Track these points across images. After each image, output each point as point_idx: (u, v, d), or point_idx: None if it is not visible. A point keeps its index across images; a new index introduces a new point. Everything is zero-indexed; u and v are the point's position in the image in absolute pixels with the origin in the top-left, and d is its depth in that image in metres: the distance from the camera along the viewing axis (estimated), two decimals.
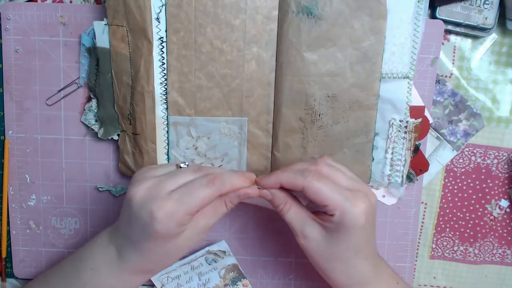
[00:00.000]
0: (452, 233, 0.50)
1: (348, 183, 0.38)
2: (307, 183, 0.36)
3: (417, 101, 0.46)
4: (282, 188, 0.38)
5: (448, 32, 0.47)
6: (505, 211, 0.50)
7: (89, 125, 0.47)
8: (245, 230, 0.50)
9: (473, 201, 0.50)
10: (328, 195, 0.36)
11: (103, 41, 0.44)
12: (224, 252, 0.49)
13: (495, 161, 0.49)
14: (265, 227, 0.50)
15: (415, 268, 0.51)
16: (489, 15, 0.45)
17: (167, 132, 0.46)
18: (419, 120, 0.45)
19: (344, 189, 0.37)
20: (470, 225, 0.50)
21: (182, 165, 0.40)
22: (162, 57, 0.44)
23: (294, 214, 0.39)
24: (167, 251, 0.37)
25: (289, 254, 0.50)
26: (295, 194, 0.40)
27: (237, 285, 0.49)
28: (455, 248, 0.51)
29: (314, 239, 0.38)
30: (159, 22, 0.43)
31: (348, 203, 0.36)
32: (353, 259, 0.38)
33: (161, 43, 0.44)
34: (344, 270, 0.38)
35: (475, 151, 0.49)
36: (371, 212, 0.37)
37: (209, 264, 0.48)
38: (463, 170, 0.49)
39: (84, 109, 0.47)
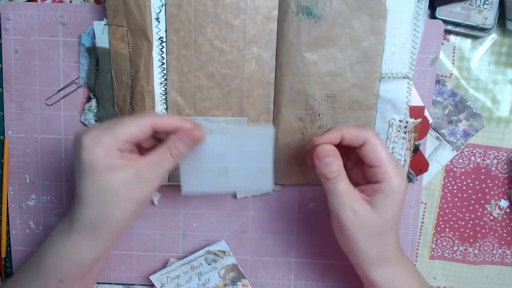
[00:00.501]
0: (452, 233, 0.50)
1: (390, 153, 0.38)
2: (371, 137, 0.36)
3: (417, 101, 0.46)
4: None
5: (448, 32, 0.47)
6: (505, 211, 0.50)
7: (88, 125, 0.47)
8: (245, 230, 0.50)
9: (472, 201, 0.50)
10: (385, 156, 0.36)
11: (103, 41, 0.44)
12: (224, 252, 0.49)
13: (495, 161, 0.49)
14: (265, 227, 0.50)
15: None
16: (489, 15, 0.45)
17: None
18: (419, 120, 0.45)
19: (392, 157, 0.37)
20: (470, 225, 0.50)
21: None
22: (162, 57, 0.44)
23: (347, 186, 0.37)
24: (104, 192, 0.34)
25: (289, 254, 0.50)
26: None
27: (236, 285, 0.49)
28: (455, 248, 0.51)
29: (363, 214, 0.36)
30: (159, 22, 0.43)
31: (396, 170, 0.36)
32: (390, 234, 0.38)
33: (161, 43, 0.44)
34: (381, 246, 0.38)
35: (474, 151, 0.49)
36: (407, 185, 0.38)
37: (209, 264, 0.48)
38: (462, 170, 0.49)
39: (84, 109, 0.47)
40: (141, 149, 0.39)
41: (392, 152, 0.46)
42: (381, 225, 0.37)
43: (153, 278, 0.48)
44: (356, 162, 0.40)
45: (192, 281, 0.48)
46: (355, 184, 0.38)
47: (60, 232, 0.37)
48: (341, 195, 0.36)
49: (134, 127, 0.35)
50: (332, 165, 0.36)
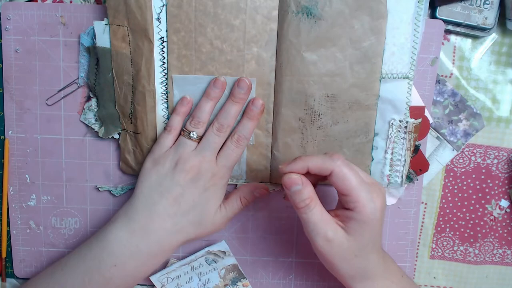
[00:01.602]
0: (452, 233, 0.50)
1: (364, 176, 0.37)
2: (337, 167, 0.35)
3: (417, 101, 0.46)
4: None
5: (448, 32, 0.47)
6: (505, 211, 0.50)
7: (88, 124, 0.47)
8: (245, 230, 0.50)
9: (473, 201, 0.50)
10: (354, 184, 0.35)
11: (103, 40, 0.44)
12: (224, 252, 0.49)
13: (495, 161, 0.49)
14: (265, 227, 0.50)
15: (415, 268, 0.51)
16: (489, 15, 0.45)
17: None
18: (419, 120, 0.45)
19: (365, 182, 0.36)
20: (470, 225, 0.50)
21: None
22: (163, 56, 0.44)
23: (319, 214, 0.36)
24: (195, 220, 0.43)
25: (289, 254, 0.50)
26: None
27: (237, 285, 0.49)
28: (455, 248, 0.51)
29: (337, 241, 0.36)
30: (160, 22, 0.43)
31: (370, 196, 0.35)
32: (369, 253, 0.38)
33: (162, 43, 0.44)
34: (361, 265, 0.38)
35: (475, 151, 0.49)
36: (385, 206, 0.37)
37: (209, 265, 0.48)
38: (463, 170, 0.49)
39: (84, 109, 0.47)
40: None
41: (392, 152, 0.46)
42: (357, 249, 0.37)
43: (153, 278, 0.48)
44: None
45: (193, 282, 0.48)
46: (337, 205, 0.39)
47: (122, 220, 0.42)
48: (314, 224, 0.36)
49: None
50: (301, 193, 0.36)
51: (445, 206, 0.50)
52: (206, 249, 0.49)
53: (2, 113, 0.48)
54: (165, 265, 0.49)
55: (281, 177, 0.47)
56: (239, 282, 0.49)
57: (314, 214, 0.36)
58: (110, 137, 0.46)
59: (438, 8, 0.45)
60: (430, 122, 0.47)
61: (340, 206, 0.38)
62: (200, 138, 0.43)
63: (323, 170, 0.35)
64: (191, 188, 0.42)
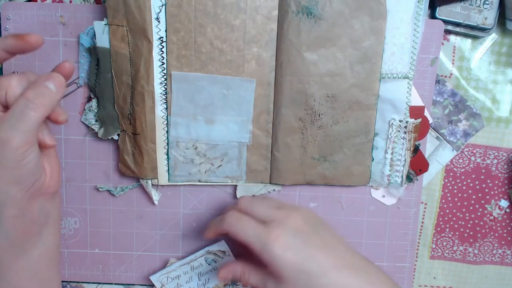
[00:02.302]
0: (452, 233, 0.50)
1: (264, 215, 0.36)
2: (226, 225, 0.36)
3: (417, 101, 0.46)
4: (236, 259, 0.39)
5: (448, 32, 0.47)
6: (505, 211, 0.50)
7: (89, 125, 0.47)
8: None
9: (472, 201, 0.50)
10: (246, 235, 0.35)
11: (103, 41, 0.44)
12: (224, 252, 0.49)
13: (495, 161, 0.49)
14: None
15: (415, 268, 0.51)
16: (489, 15, 0.45)
17: (167, 132, 0.46)
18: (419, 120, 0.45)
19: (257, 225, 0.35)
20: (470, 225, 0.50)
21: None
22: (162, 57, 0.44)
23: (257, 277, 0.37)
24: None
25: None
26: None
27: (237, 285, 0.49)
28: (455, 248, 0.51)
29: None
30: (159, 22, 0.43)
31: (262, 239, 0.34)
32: (335, 278, 0.34)
33: (161, 43, 0.44)
34: None
35: (475, 151, 0.49)
36: (296, 236, 0.35)
37: (209, 264, 0.48)
38: (463, 170, 0.49)
39: (84, 109, 0.47)
40: None
41: (392, 152, 0.46)
42: None
43: (153, 278, 0.48)
44: None
45: (192, 281, 0.48)
46: None
47: None
48: (257, 285, 0.37)
49: None
50: (236, 276, 0.38)
51: (445, 206, 0.50)
52: (206, 248, 0.49)
53: None
54: (164, 265, 0.49)
55: (281, 177, 0.47)
56: (239, 282, 0.49)
57: (254, 278, 0.37)
58: (110, 138, 0.46)
59: (438, 8, 0.45)
60: (430, 122, 0.47)
61: None
62: None
63: (221, 232, 0.38)
64: None
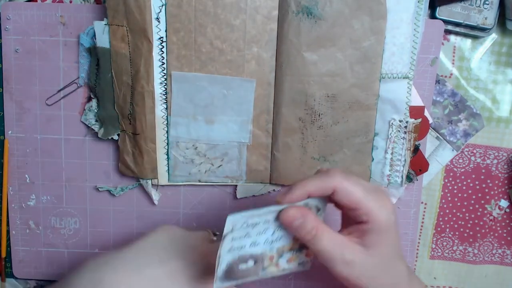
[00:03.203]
0: (452, 233, 0.50)
1: (365, 183, 0.35)
2: (338, 182, 0.33)
3: (417, 101, 0.46)
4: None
5: (448, 32, 0.47)
6: (505, 211, 0.50)
7: (89, 125, 0.47)
8: None
9: (472, 201, 0.50)
10: (361, 196, 0.33)
11: (103, 41, 0.44)
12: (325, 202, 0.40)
13: (495, 161, 0.49)
14: None
15: (415, 268, 0.51)
16: (489, 15, 0.45)
17: (167, 132, 0.46)
18: (419, 120, 0.45)
19: (369, 189, 0.33)
20: (469, 225, 0.50)
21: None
22: (162, 57, 0.44)
23: (329, 240, 0.33)
24: None
25: None
26: None
27: (301, 252, 0.39)
28: (455, 248, 0.51)
29: (358, 262, 0.33)
30: (159, 22, 0.43)
31: (378, 204, 0.33)
32: (397, 265, 0.35)
33: (161, 43, 0.44)
34: (393, 280, 0.35)
35: (475, 151, 0.49)
36: (395, 206, 0.35)
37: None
38: (462, 170, 0.49)
39: (84, 109, 0.47)
40: None
41: (392, 152, 0.46)
42: (383, 264, 0.34)
43: (230, 217, 0.34)
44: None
45: (265, 234, 0.37)
46: (345, 222, 0.36)
47: None
48: (328, 252, 0.33)
49: None
50: (304, 226, 0.33)
51: (445, 206, 0.50)
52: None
53: (2, 113, 0.48)
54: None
55: (281, 177, 0.47)
56: (303, 250, 0.39)
57: (325, 241, 0.33)
58: (110, 138, 0.46)
59: (438, 8, 0.45)
60: (430, 122, 0.47)
61: (350, 223, 0.35)
62: None
63: (324, 190, 0.33)
64: None
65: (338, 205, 0.35)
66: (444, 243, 0.51)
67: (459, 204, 0.50)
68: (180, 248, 0.36)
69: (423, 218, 0.50)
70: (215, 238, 0.39)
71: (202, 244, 0.38)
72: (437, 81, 0.47)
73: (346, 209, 0.34)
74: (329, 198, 0.34)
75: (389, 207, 0.33)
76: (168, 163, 0.47)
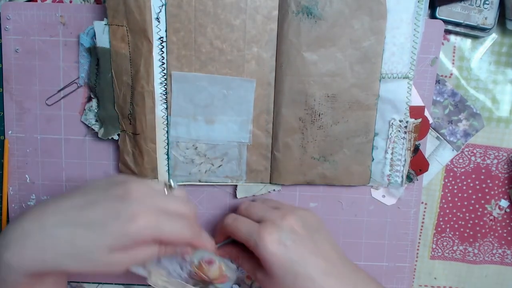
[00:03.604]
0: (452, 233, 0.50)
1: (260, 215, 0.38)
2: (225, 226, 0.39)
3: (417, 101, 0.46)
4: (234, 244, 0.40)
5: (448, 32, 0.47)
6: (505, 211, 0.50)
7: (89, 125, 0.47)
8: None
9: (473, 201, 0.50)
10: (240, 232, 0.37)
11: (103, 41, 0.44)
12: None
13: (495, 161, 0.49)
14: None
15: (415, 269, 0.51)
16: (489, 15, 0.45)
17: (167, 132, 0.46)
18: (419, 120, 0.45)
19: (252, 223, 0.38)
20: (470, 225, 0.50)
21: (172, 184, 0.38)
22: (162, 57, 0.44)
23: (248, 265, 0.39)
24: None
25: None
26: None
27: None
28: (455, 248, 0.51)
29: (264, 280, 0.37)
30: (159, 22, 0.43)
31: (254, 235, 0.36)
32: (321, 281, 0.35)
33: (161, 43, 0.44)
34: None
35: (475, 151, 0.49)
36: (288, 236, 0.36)
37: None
38: (463, 170, 0.49)
39: (85, 109, 0.47)
40: None
41: (392, 152, 0.46)
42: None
43: (136, 269, 0.42)
44: None
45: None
46: None
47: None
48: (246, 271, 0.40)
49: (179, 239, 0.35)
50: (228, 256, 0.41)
51: (445, 206, 0.50)
52: None
53: (2, 113, 0.48)
54: None
55: (281, 177, 0.47)
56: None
57: (244, 264, 0.40)
58: (110, 138, 0.46)
59: (438, 8, 0.45)
60: (430, 122, 0.47)
61: None
62: None
63: (225, 232, 0.41)
64: None
65: None
66: (444, 243, 0.51)
67: (459, 204, 0.50)
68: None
69: (423, 218, 0.50)
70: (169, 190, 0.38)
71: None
72: (437, 81, 0.47)
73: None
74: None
75: (266, 240, 0.36)
76: (168, 163, 0.47)
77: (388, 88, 0.44)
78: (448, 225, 0.50)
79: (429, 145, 0.48)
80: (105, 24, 0.43)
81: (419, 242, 0.51)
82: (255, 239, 0.36)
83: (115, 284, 0.51)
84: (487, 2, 0.44)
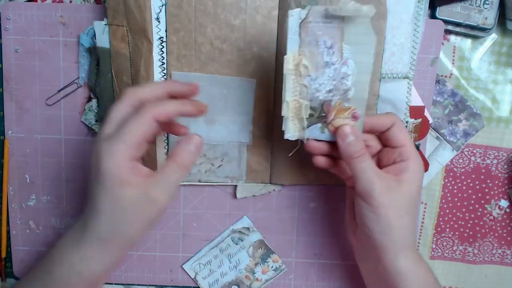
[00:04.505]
0: (452, 233, 0.50)
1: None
2: (397, 119, 0.38)
3: (417, 101, 0.46)
4: None
5: (448, 32, 0.47)
6: (505, 211, 0.50)
7: (89, 125, 0.47)
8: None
9: (472, 201, 0.50)
10: (408, 138, 0.38)
11: (103, 41, 0.44)
12: (248, 228, 0.49)
13: (495, 161, 0.49)
14: (265, 227, 0.50)
15: None
16: (489, 15, 0.45)
17: (167, 132, 0.46)
18: (419, 120, 0.45)
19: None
20: (469, 225, 0.50)
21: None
22: (162, 57, 0.44)
23: (373, 166, 0.37)
24: (115, 207, 0.34)
25: (289, 254, 0.50)
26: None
27: (267, 262, 0.49)
28: (455, 248, 0.51)
29: (395, 190, 0.37)
30: (159, 22, 0.43)
31: (416, 151, 0.38)
32: (414, 213, 0.38)
33: (161, 43, 0.44)
34: (408, 226, 0.38)
35: (475, 151, 0.49)
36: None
37: (236, 244, 0.49)
38: (462, 170, 0.49)
39: (84, 109, 0.47)
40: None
41: None
42: (408, 202, 0.37)
43: (186, 267, 0.49)
44: (376, 150, 0.41)
45: (224, 265, 0.49)
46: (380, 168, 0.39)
47: (72, 240, 0.36)
48: (371, 173, 0.36)
49: (139, 128, 0.33)
50: (356, 144, 0.36)
51: (445, 206, 0.50)
52: (230, 228, 0.49)
53: (2, 113, 0.48)
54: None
55: (281, 177, 0.47)
56: (268, 259, 0.50)
57: (370, 163, 0.37)
58: None
59: (438, 8, 0.45)
60: (430, 122, 0.47)
61: (388, 163, 0.39)
62: None
63: (385, 123, 0.38)
64: None
65: (384, 143, 0.40)
66: (444, 243, 0.51)
67: (459, 204, 0.50)
68: None
69: (423, 218, 0.50)
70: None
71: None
72: (437, 81, 0.47)
73: (389, 148, 0.39)
74: (380, 135, 0.40)
75: (420, 158, 0.39)
76: None
77: (388, 88, 0.44)
78: (448, 225, 0.50)
79: (429, 145, 0.48)
80: (105, 24, 0.43)
81: (419, 242, 0.51)
82: (417, 155, 0.38)
83: (115, 284, 0.51)
84: (487, 2, 0.44)
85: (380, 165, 0.40)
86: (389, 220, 0.36)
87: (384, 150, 0.40)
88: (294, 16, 0.35)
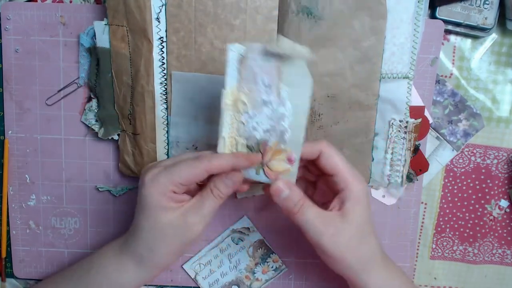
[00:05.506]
0: (452, 233, 0.50)
1: (344, 157, 0.39)
2: (324, 147, 0.37)
3: (417, 101, 0.46)
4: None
5: (448, 32, 0.47)
6: (505, 211, 0.50)
7: (89, 125, 0.47)
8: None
9: (472, 201, 0.50)
10: (342, 163, 0.37)
11: (103, 41, 0.44)
12: (248, 228, 0.49)
13: (495, 161, 0.49)
14: (265, 227, 0.50)
15: (415, 269, 0.51)
16: (489, 15, 0.45)
17: (167, 132, 0.46)
18: (419, 120, 0.45)
19: (347, 162, 0.38)
20: (469, 225, 0.50)
21: None
22: (162, 57, 0.44)
23: (315, 213, 0.37)
24: (154, 229, 0.36)
25: (289, 254, 0.50)
26: None
27: (267, 262, 0.49)
28: (455, 248, 0.51)
29: (342, 233, 0.36)
30: (159, 22, 0.43)
31: (353, 174, 0.37)
32: (370, 237, 0.38)
33: (161, 43, 0.44)
34: (367, 252, 0.38)
35: (475, 151, 0.49)
36: (366, 184, 0.39)
37: (236, 244, 0.49)
38: (463, 170, 0.49)
39: (85, 109, 0.47)
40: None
41: (392, 152, 0.46)
42: (360, 230, 0.37)
43: (186, 267, 0.49)
44: (317, 180, 0.41)
45: (224, 265, 0.49)
46: (324, 204, 0.39)
47: (113, 251, 0.39)
48: (315, 223, 0.36)
49: (190, 172, 0.35)
50: (293, 197, 0.36)
51: (445, 206, 0.50)
52: (230, 228, 0.49)
53: (2, 113, 0.48)
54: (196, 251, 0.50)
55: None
56: (268, 258, 0.50)
57: (310, 214, 0.36)
58: (110, 138, 0.46)
59: (438, 8, 0.45)
60: (430, 122, 0.47)
61: (329, 196, 0.39)
62: None
63: (312, 153, 0.37)
64: None
65: (318, 173, 0.40)
66: (444, 243, 0.51)
67: (459, 204, 0.50)
68: None
69: (423, 218, 0.50)
70: None
71: None
72: (437, 81, 0.47)
73: (327, 177, 0.38)
74: (315, 162, 0.38)
75: (362, 180, 0.38)
76: None
77: (388, 88, 0.44)
78: (448, 225, 0.50)
79: (429, 145, 0.48)
80: (105, 24, 0.43)
81: (419, 242, 0.51)
82: (355, 178, 0.37)
83: None
84: (487, 2, 0.44)
85: (322, 199, 0.40)
86: (346, 260, 0.37)
87: (323, 177, 0.39)
88: (234, 51, 0.34)
